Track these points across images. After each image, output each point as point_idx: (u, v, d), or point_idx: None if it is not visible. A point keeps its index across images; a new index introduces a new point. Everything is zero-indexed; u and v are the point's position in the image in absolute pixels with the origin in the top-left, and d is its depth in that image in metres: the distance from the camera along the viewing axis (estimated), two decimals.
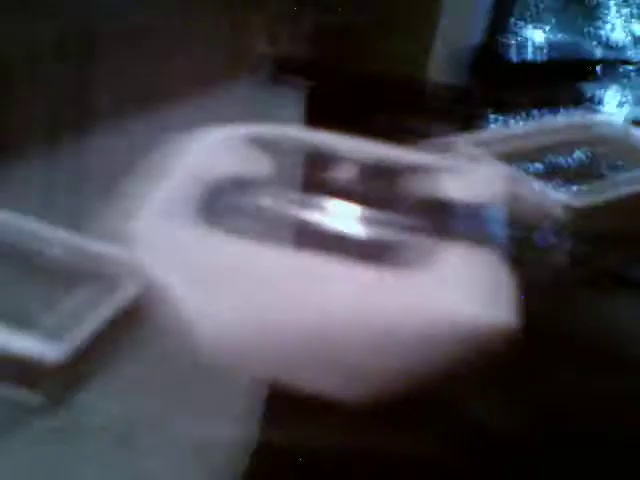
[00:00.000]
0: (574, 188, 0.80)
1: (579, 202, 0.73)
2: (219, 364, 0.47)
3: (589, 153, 0.92)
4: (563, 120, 0.98)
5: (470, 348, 0.50)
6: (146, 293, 0.50)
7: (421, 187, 0.67)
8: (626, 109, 1.14)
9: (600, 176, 0.87)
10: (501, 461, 0.55)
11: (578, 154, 0.91)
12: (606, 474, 0.56)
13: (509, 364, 0.54)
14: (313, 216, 0.64)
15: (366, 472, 0.55)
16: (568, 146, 0.91)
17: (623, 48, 1.34)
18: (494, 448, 0.55)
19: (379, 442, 0.54)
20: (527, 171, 0.81)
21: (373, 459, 0.54)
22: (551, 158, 0.88)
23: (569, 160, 0.90)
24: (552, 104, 1.04)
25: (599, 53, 1.31)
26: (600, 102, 1.15)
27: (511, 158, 0.80)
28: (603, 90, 1.19)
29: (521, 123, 0.97)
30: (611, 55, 1.29)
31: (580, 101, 1.12)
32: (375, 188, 0.69)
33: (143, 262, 0.50)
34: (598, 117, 1.01)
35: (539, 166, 0.87)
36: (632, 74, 1.26)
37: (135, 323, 0.51)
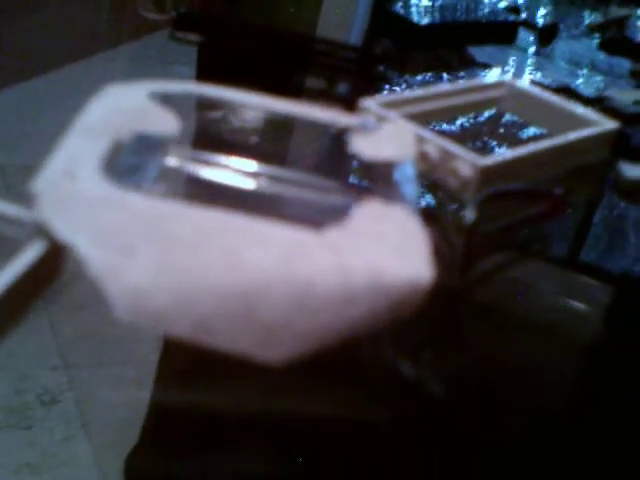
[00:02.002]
0: (481, 146, 0.81)
1: (485, 160, 0.74)
2: (133, 325, 0.45)
3: (495, 112, 0.94)
4: (469, 81, 0.99)
5: (388, 304, 0.50)
6: (51, 255, 0.48)
7: (331, 145, 0.67)
8: (526, 70, 1.17)
9: (506, 135, 0.89)
10: (427, 420, 0.55)
11: (485, 113, 0.93)
12: (522, 433, 0.58)
13: (428, 321, 0.55)
14: (224, 174, 0.63)
15: (285, 434, 0.54)
16: (474, 106, 0.92)
17: (520, 9, 1.38)
18: (420, 407, 0.56)
19: (299, 403, 0.53)
20: (435, 131, 0.82)
21: (294, 421, 0.53)
22: (459, 118, 0.89)
23: (477, 119, 0.92)
24: (454, 66, 1.05)
25: (498, 15, 1.34)
26: (494, 64, 1.17)
27: (419, 118, 0.81)
28: (498, 53, 1.22)
29: (427, 84, 0.98)
30: (509, 17, 1.32)
31: (476, 63, 1.14)
32: (284, 146, 0.68)
33: (46, 222, 0.47)
34: (500, 77, 1.03)
35: (447, 126, 0.88)
36: (530, 35, 1.29)
37: (39, 288, 0.48)
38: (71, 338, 1.22)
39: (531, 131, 0.91)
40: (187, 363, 0.57)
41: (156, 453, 0.67)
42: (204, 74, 0.89)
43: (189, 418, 0.60)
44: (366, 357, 0.57)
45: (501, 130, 0.93)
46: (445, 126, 0.89)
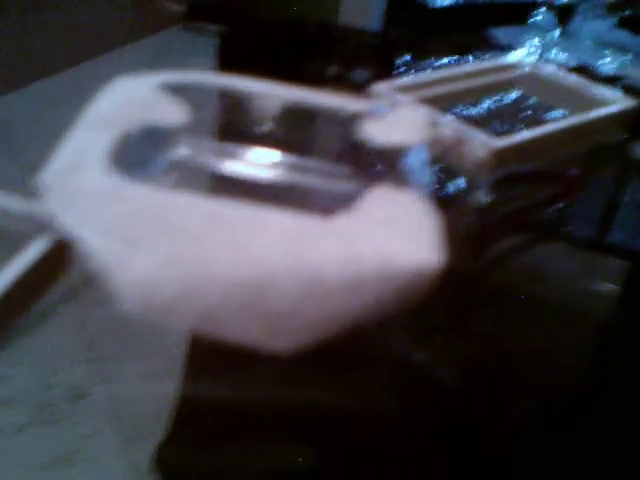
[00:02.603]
0: (496, 129, 0.80)
1: (499, 143, 0.73)
2: (141, 318, 0.45)
3: (514, 94, 0.93)
4: (482, 64, 0.98)
5: (397, 290, 0.50)
6: (58, 249, 0.48)
7: (342, 132, 0.66)
8: (539, 52, 1.16)
9: (522, 117, 0.88)
10: (438, 406, 0.55)
11: (499, 96, 0.92)
12: (536, 419, 0.57)
13: (438, 306, 0.54)
14: (233, 165, 0.63)
15: (296, 423, 0.54)
16: (492, 88, 0.91)
17: None
18: (431, 393, 0.55)
19: (308, 392, 0.53)
20: (449, 115, 0.81)
21: (303, 409, 0.53)
22: (472, 101, 0.89)
23: (490, 102, 0.91)
24: (468, 49, 1.04)
25: None
26: (514, 46, 1.16)
27: (433, 102, 0.80)
28: (516, 34, 1.20)
29: (440, 68, 0.97)
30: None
31: (495, 45, 1.12)
32: (296, 134, 0.68)
33: (54, 216, 0.47)
34: (515, 60, 1.02)
35: (461, 109, 0.87)
36: (543, 17, 1.28)
37: (47, 281, 0.49)
38: (98, 332, 1.22)
39: (551, 112, 0.90)
40: (212, 355, 0.58)
41: (184, 445, 0.67)
42: (222, 64, 0.89)
43: (216, 409, 0.60)
44: (376, 344, 0.56)
45: (521, 112, 0.92)
46: (464, 109, 0.88)
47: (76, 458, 1.04)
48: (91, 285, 0.50)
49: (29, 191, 0.51)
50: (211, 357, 0.59)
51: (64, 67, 1.22)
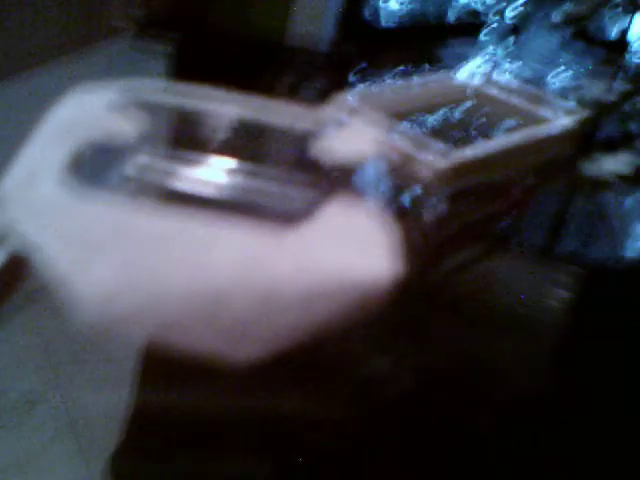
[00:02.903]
0: (451, 137, 0.81)
1: (448, 159, 0.74)
2: (98, 328, 0.45)
3: (458, 110, 0.94)
4: (435, 77, 0.99)
5: (353, 302, 0.50)
6: (16, 260, 0.48)
7: (297, 146, 0.67)
8: (491, 65, 1.17)
9: (476, 125, 0.89)
10: (397, 414, 0.56)
11: (448, 112, 0.93)
12: (491, 423, 0.58)
13: (393, 318, 0.55)
14: (188, 177, 0.63)
15: (252, 432, 0.55)
16: (442, 102, 0.92)
17: (477, 12, 1.38)
18: (389, 402, 0.56)
19: (266, 402, 0.54)
20: (400, 130, 0.82)
21: (260, 419, 0.54)
22: (422, 117, 0.90)
23: (445, 112, 0.92)
24: (417, 66, 1.05)
25: (455, 17, 1.34)
26: (467, 59, 1.17)
27: (384, 118, 0.81)
28: (468, 48, 1.22)
29: (391, 85, 0.98)
30: (467, 19, 1.33)
31: (442, 63, 1.14)
32: (249, 146, 0.68)
33: (10, 227, 0.47)
34: (467, 74, 1.03)
35: (415, 119, 0.88)
36: (488, 36, 1.30)
37: (6, 292, 0.49)
38: (54, 339, 1.22)
39: (504, 120, 0.91)
40: (167, 365, 0.58)
41: (138, 454, 0.67)
42: (176, 73, 0.89)
43: (171, 419, 0.60)
44: (334, 355, 0.57)
45: (475, 120, 0.93)
46: (418, 118, 0.89)
47: (31, 464, 1.04)
48: (46, 293, 0.50)
49: None
50: (165, 367, 0.59)
51: (14, 72, 1.20)
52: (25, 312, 1.05)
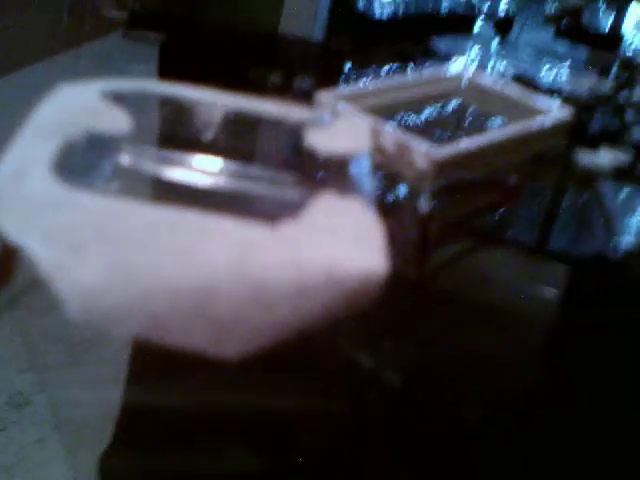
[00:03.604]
0: (437, 138, 0.82)
1: (440, 152, 0.74)
2: (85, 325, 0.44)
3: (457, 103, 0.94)
4: (423, 73, 0.99)
5: (344, 296, 0.50)
6: (2, 257, 0.47)
7: (287, 140, 0.67)
8: (478, 61, 1.18)
9: (463, 125, 0.89)
10: (387, 410, 0.55)
11: (440, 105, 0.93)
12: (481, 421, 0.58)
13: (384, 312, 0.55)
14: (177, 172, 0.63)
15: (243, 429, 0.54)
16: (431, 98, 0.92)
17: (471, 4, 1.38)
18: (379, 398, 0.56)
19: (256, 397, 0.53)
20: (392, 124, 0.82)
21: (251, 415, 0.53)
22: (414, 110, 0.90)
23: (432, 111, 0.92)
24: (410, 58, 1.06)
25: (449, 9, 1.35)
26: (455, 55, 1.17)
27: (375, 111, 0.81)
28: (457, 44, 1.22)
29: (383, 77, 0.98)
30: (460, 9, 1.33)
31: (436, 55, 1.14)
32: (239, 141, 0.68)
33: None
34: (455, 69, 1.03)
35: (403, 118, 0.88)
36: (483, 27, 1.30)
37: None
38: (40, 340, 1.21)
39: (493, 121, 0.92)
40: (157, 361, 0.57)
41: (129, 452, 0.66)
42: (164, 71, 0.89)
43: (160, 416, 0.60)
44: (324, 350, 0.57)
45: (462, 120, 0.93)
46: (405, 117, 0.89)
47: (20, 466, 1.03)
48: (33, 292, 0.50)
49: None
50: (155, 363, 0.59)
51: (5, 71, 1.20)
52: (9, 314, 1.04)
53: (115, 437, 0.70)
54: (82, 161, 0.57)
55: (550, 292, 0.75)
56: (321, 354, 0.56)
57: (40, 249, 0.45)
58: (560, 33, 1.28)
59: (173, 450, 0.61)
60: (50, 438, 1.05)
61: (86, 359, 1.16)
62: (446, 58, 1.15)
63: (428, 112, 0.92)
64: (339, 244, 0.52)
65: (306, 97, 0.80)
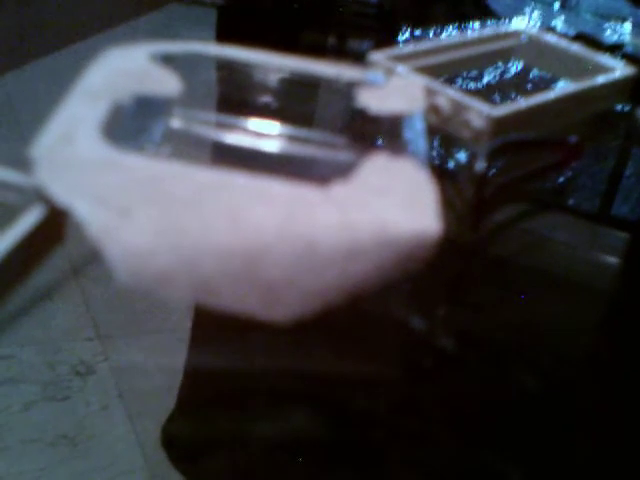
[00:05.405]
0: (494, 97, 0.80)
1: (497, 110, 0.72)
2: (135, 289, 0.44)
3: (510, 66, 0.92)
4: (481, 32, 0.97)
5: (395, 259, 0.49)
6: (51, 220, 0.47)
7: (340, 102, 0.66)
8: (539, 22, 1.15)
9: (523, 89, 0.87)
10: (440, 375, 0.55)
11: (500, 67, 0.91)
12: (537, 390, 0.57)
13: (437, 276, 0.54)
14: (229, 135, 0.62)
15: (299, 392, 0.54)
16: (489, 58, 0.90)
17: None
18: (432, 362, 0.55)
19: (309, 361, 0.53)
20: (447, 83, 0.80)
21: (305, 378, 0.53)
22: (471, 72, 0.88)
23: (491, 75, 0.90)
24: (468, 18, 1.03)
25: None
26: (514, 15, 1.15)
27: (430, 71, 0.79)
28: (517, 4, 1.19)
29: (439, 37, 0.96)
30: None
31: (495, 15, 1.12)
32: (293, 105, 0.67)
33: (45, 187, 0.47)
34: (515, 28, 1.01)
35: (460, 81, 0.86)
36: None
37: (40, 253, 0.48)
38: (103, 309, 1.23)
39: (554, 84, 0.89)
40: (218, 328, 0.58)
41: (192, 418, 0.67)
42: (221, 35, 0.88)
43: (221, 382, 0.60)
44: (376, 313, 0.56)
45: (523, 84, 0.91)
46: (463, 80, 0.87)
47: (84, 434, 1.05)
48: (92, 261, 0.50)
49: (26, 165, 0.50)
50: (215, 329, 0.59)
51: (63, 45, 1.21)
52: (72, 284, 1.06)
53: (178, 404, 0.71)
54: (131, 124, 0.56)
55: (610, 260, 0.73)
56: (372, 318, 0.56)
57: (88, 212, 0.45)
58: None
59: (233, 415, 0.61)
60: (114, 406, 1.07)
61: (149, 327, 1.18)
62: (505, 18, 1.13)
63: (487, 76, 0.90)
64: (392, 205, 0.51)
65: (361, 58, 0.78)
